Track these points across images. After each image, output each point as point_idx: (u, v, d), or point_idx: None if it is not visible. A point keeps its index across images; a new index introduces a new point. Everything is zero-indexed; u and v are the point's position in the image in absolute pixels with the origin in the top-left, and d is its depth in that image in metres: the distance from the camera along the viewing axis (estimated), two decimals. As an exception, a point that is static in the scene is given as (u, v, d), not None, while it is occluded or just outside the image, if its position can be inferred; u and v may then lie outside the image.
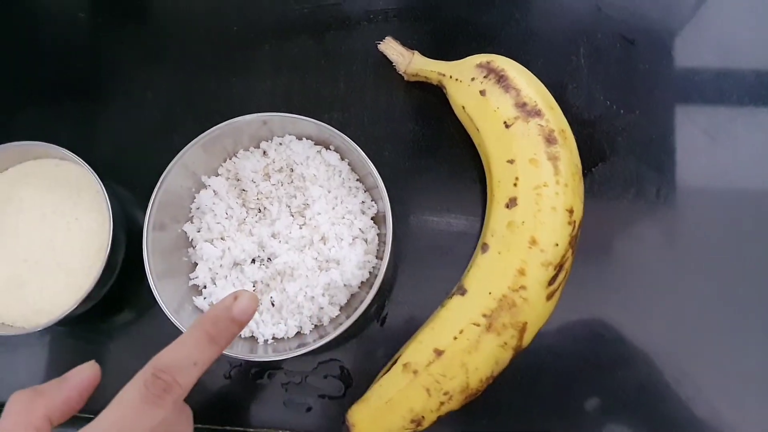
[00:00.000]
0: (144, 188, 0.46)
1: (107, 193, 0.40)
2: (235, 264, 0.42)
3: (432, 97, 0.46)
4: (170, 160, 0.45)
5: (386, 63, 0.46)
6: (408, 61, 0.44)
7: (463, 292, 0.39)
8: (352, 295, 0.42)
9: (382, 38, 0.46)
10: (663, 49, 0.46)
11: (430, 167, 0.45)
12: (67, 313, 0.39)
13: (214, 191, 0.43)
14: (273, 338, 0.41)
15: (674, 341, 0.42)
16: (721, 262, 0.42)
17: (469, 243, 0.44)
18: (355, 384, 0.43)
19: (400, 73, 0.45)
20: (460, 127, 0.44)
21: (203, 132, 0.45)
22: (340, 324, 0.39)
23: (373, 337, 0.43)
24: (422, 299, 0.43)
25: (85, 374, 0.32)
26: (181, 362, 0.29)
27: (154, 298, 0.45)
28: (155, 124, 0.47)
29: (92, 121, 0.48)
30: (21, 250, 0.42)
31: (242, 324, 0.31)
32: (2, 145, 0.42)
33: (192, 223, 0.43)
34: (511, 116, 0.40)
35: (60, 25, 0.49)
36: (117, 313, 0.45)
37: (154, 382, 0.28)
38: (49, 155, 0.44)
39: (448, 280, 0.43)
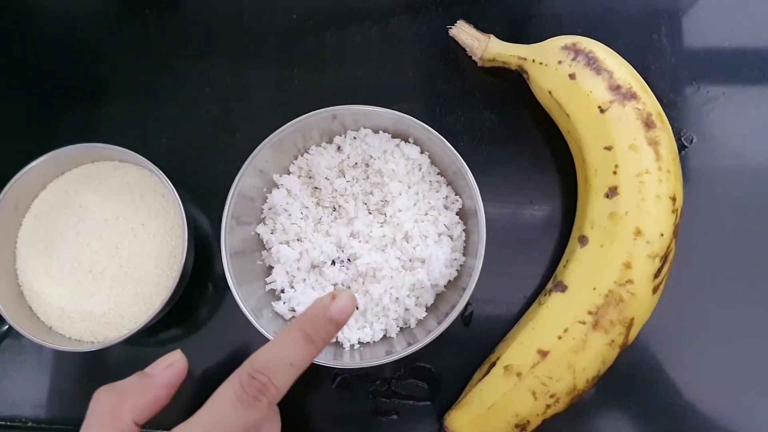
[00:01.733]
0: (205, 189, 0.44)
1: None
2: (313, 266, 0.40)
3: (506, 83, 0.43)
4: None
5: (456, 48, 0.44)
6: (484, 45, 0.42)
7: (563, 288, 0.37)
8: (438, 295, 0.40)
9: (449, 22, 0.43)
10: (750, 24, 0.43)
11: (509, 157, 0.43)
12: (141, 327, 0.37)
13: (287, 190, 0.40)
14: (359, 343, 0.39)
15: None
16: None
17: (552, 235, 0.42)
18: (442, 387, 0.41)
19: (474, 58, 0.43)
20: (539, 113, 0.42)
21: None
22: (429, 332, 0.37)
23: (458, 337, 0.41)
24: (507, 296, 0.42)
25: (174, 370, 0.31)
26: (278, 363, 0.28)
27: (222, 305, 0.43)
28: (214, 120, 0.45)
29: (145, 120, 0.45)
30: (84, 260, 0.39)
31: (340, 324, 0.29)
32: (60, 149, 0.39)
33: (265, 224, 0.41)
34: (606, 100, 0.37)
35: (107, 20, 0.46)
36: (186, 321, 0.43)
37: (251, 383, 0.27)
38: (106, 157, 0.41)
39: (532, 275, 0.42)
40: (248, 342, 0.42)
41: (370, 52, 0.45)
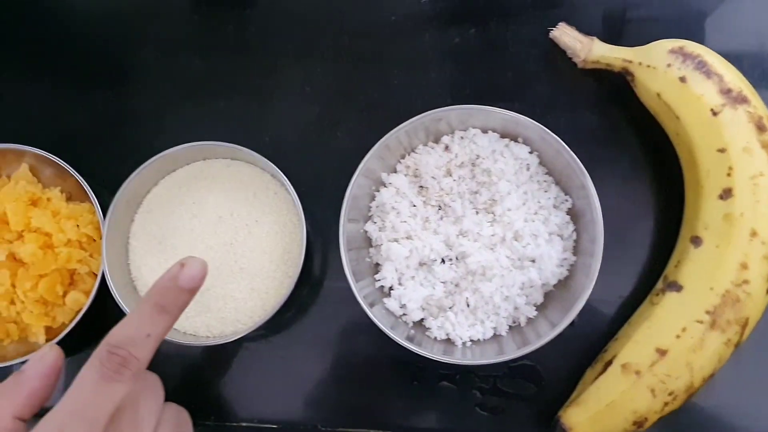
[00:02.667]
0: (306, 186, 0.43)
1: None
2: (421, 264, 0.40)
3: (605, 85, 0.44)
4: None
5: (554, 50, 0.44)
6: (588, 48, 0.42)
7: (677, 288, 0.37)
8: (545, 294, 0.40)
9: (546, 25, 0.44)
10: None
11: (609, 157, 0.43)
12: (262, 321, 0.37)
13: (395, 189, 0.41)
14: (470, 340, 0.39)
15: None
16: None
17: (649, 235, 0.43)
18: (547, 384, 0.41)
19: (575, 60, 0.43)
20: (639, 114, 0.42)
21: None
22: (538, 330, 0.38)
23: (561, 335, 0.41)
24: (605, 295, 0.42)
25: (45, 361, 0.31)
26: (134, 336, 0.29)
27: (317, 301, 0.44)
28: (315, 119, 0.45)
29: (247, 119, 0.46)
30: (199, 256, 0.39)
31: (192, 291, 0.31)
32: (181, 146, 0.40)
33: (373, 222, 0.41)
34: (718, 103, 0.38)
35: (208, 18, 0.47)
36: (283, 317, 0.43)
37: (109, 359, 0.28)
38: (219, 155, 0.42)
39: (629, 274, 0.43)
40: (348, 335, 0.43)
41: (469, 54, 0.45)
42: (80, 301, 0.41)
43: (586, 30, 0.44)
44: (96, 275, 0.41)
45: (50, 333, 0.41)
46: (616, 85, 0.43)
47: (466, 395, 0.41)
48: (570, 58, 0.44)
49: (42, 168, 0.44)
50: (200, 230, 0.40)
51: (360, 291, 0.39)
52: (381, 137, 0.40)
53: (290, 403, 0.42)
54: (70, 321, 0.41)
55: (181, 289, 0.30)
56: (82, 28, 0.48)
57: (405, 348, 0.37)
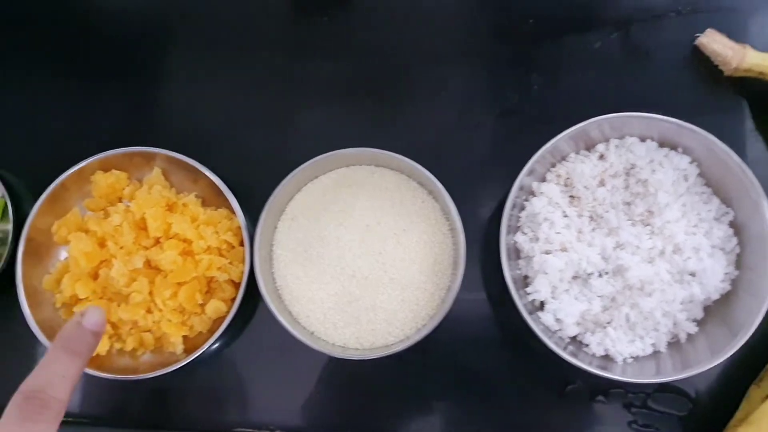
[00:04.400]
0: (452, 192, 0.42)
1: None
2: (574, 277, 0.39)
3: (753, 93, 0.43)
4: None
5: (698, 56, 0.43)
6: (740, 55, 0.41)
7: None
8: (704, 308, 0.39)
9: (690, 30, 0.43)
10: None
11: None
12: (422, 336, 0.36)
13: (548, 199, 0.40)
14: (630, 357, 0.38)
15: None
16: None
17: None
18: (699, 401, 0.40)
19: (722, 68, 0.42)
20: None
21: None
22: (697, 347, 0.37)
23: (712, 351, 0.41)
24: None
25: None
26: (51, 378, 0.30)
27: (458, 313, 0.42)
28: (451, 123, 0.44)
29: (379, 124, 0.44)
30: (347, 265, 0.38)
31: (97, 333, 0.32)
32: (331, 153, 0.39)
33: (524, 233, 0.40)
34: None
35: (337, 22, 0.46)
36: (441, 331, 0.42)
37: (29, 403, 0.28)
38: (362, 161, 0.41)
39: None
40: (485, 350, 0.42)
41: (609, 59, 0.44)
42: (220, 309, 0.39)
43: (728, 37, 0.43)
44: (235, 283, 0.40)
45: (186, 342, 0.40)
46: (765, 93, 0.42)
47: (617, 412, 0.40)
48: (715, 65, 0.43)
49: (173, 171, 0.42)
50: (347, 239, 0.39)
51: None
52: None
53: (426, 419, 0.41)
54: (207, 330, 0.40)
55: (87, 332, 0.32)
56: (213, 30, 0.46)
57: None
